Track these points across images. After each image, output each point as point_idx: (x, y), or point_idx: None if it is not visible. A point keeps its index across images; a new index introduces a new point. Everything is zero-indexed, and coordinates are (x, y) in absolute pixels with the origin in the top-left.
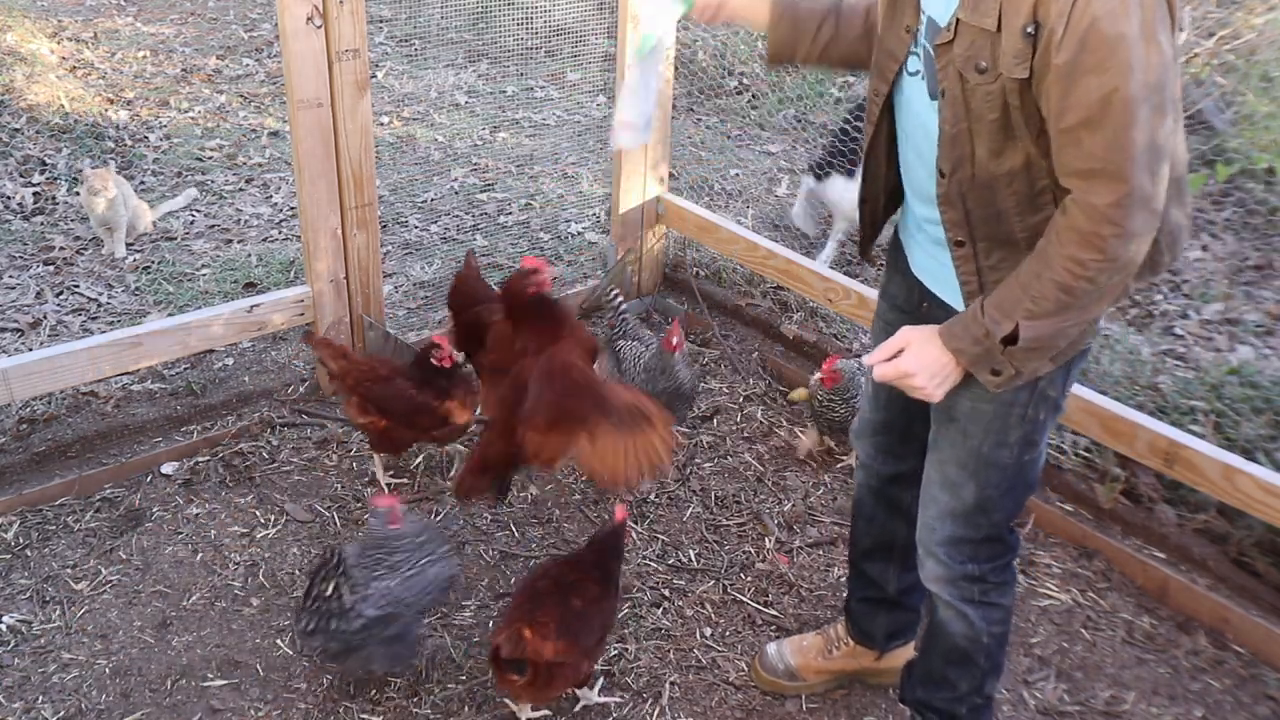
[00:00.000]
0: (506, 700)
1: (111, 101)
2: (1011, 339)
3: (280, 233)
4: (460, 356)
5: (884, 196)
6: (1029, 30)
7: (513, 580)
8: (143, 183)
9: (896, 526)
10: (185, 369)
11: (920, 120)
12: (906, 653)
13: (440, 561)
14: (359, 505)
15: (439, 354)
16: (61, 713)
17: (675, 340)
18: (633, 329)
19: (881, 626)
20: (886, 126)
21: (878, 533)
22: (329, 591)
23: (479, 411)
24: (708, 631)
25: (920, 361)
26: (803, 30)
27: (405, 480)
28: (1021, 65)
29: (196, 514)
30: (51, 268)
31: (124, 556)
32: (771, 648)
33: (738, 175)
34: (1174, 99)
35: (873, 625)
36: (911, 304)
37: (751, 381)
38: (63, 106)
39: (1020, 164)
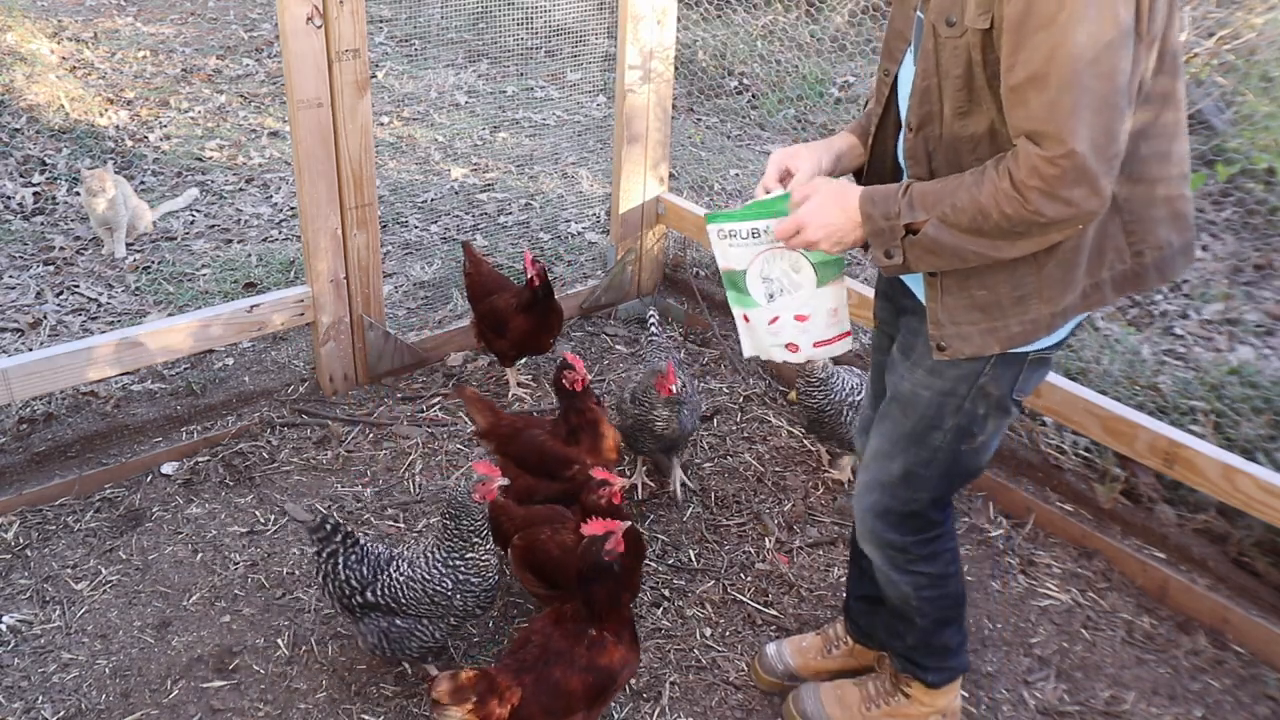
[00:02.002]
0: None
1: (111, 101)
2: (915, 231)
3: (280, 233)
4: (586, 377)
5: (889, 178)
6: None
7: (508, 574)
8: (143, 183)
9: None
10: (185, 369)
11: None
12: None
13: (455, 589)
14: (359, 504)
15: (571, 375)
16: (61, 713)
17: (662, 384)
18: (659, 350)
19: (880, 625)
20: (894, 108)
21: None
22: (325, 553)
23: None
24: (708, 631)
25: (817, 217)
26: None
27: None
28: (983, 16)
29: (196, 514)
30: (51, 268)
31: (124, 556)
32: (771, 648)
33: (738, 175)
34: (1124, 84)
35: (872, 623)
36: (893, 292)
37: (751, 381)
38: (63, 106)
39: (984, 129)
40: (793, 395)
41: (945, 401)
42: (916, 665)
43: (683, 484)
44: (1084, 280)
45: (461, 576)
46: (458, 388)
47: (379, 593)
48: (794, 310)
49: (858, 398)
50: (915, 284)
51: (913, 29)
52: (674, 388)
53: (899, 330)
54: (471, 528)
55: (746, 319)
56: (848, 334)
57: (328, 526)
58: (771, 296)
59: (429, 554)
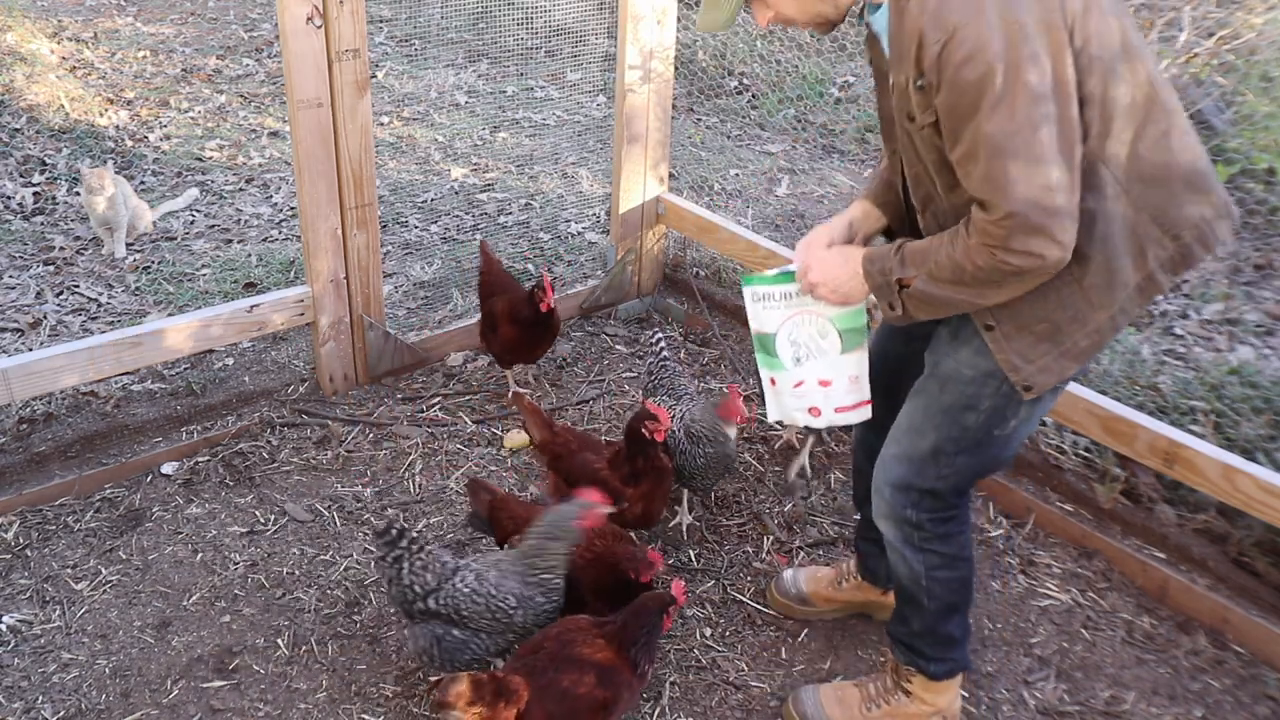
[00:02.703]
0: None
1: (111, 101)
2: (906, 286)
3: (280, 233)
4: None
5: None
6: (919, 84)
7: None
8: (143, 183)
9: None
10: (185, 369)
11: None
12: None
13: (525, 610)
14: (359, 504)
15: (654, 426)
16: (61, 713)
17: (737, 410)
18: (670, 377)
19: (884, 566)
20: (901, 172)
21: (867, 483)
22: (389, 558)
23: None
24: (708, 631)
25: (821, 272)
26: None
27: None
28: (927, 112)
29: (196, 514)
30: (51, 268)
31: (124, 556)
32: (788, 574)
33: (738, 175)
34: (1050, 141)
35: (877, 565)
36: None
37: (751, 381)
38: (63, 106)
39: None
40: None
41: (986, 382)
42: (920, 655)
43: (690, 524)
44: (1134, 278)
45: (528, 594)
46: (514, 396)
47: (441, 601)
48: (818, 375)
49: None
50: None
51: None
52: (743, 413)
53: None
54: (564, 551)
55: (774, 382)
56: (868, 403)
57: (394, 531)
58: (798, 360)
59: (499, 567)
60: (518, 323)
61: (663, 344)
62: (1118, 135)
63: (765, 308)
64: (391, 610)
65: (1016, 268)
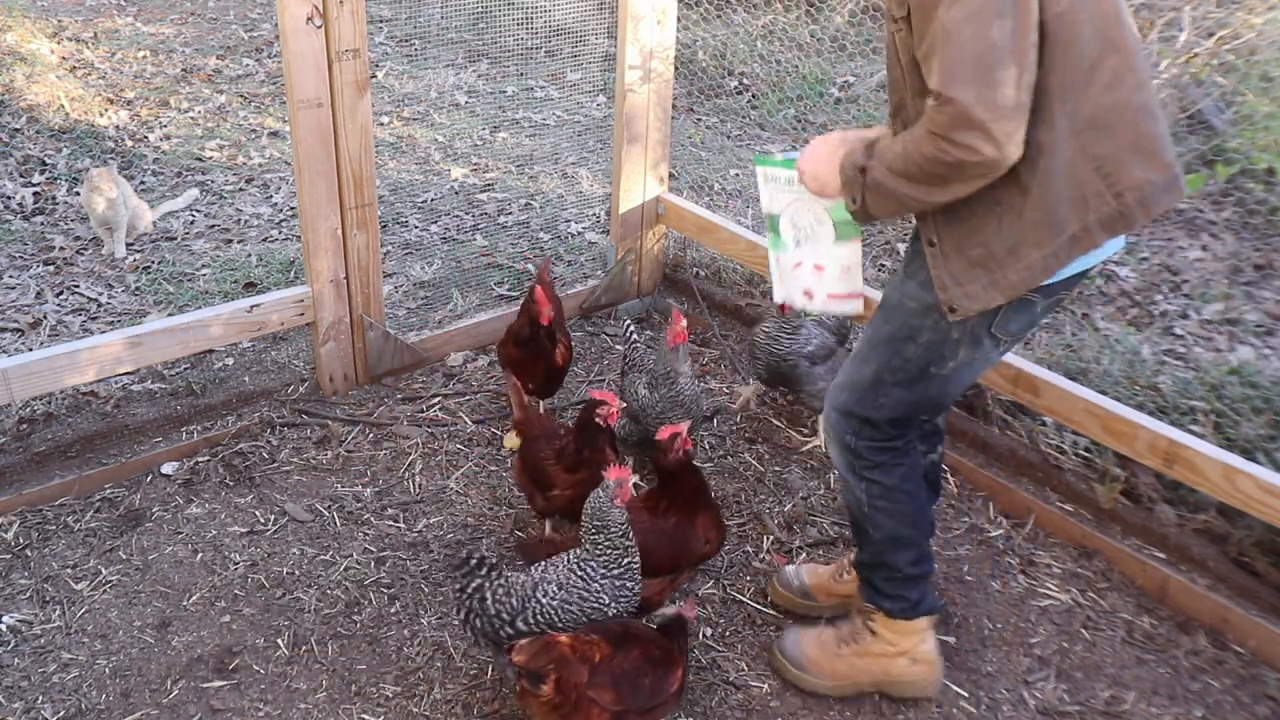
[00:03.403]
0: None
1: (111, 101)
2: (864, 170)
3: (280, 233)
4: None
5: None
6: None
7: None
8: (143, 183)
9: None
10: (185, 369)
11: None
12: None
13: (618, 602)
14: (359, 504)
15: (605, 410)
16: (61, 713)
17: (675, 335)
18: (640, 356)
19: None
20: None
21: None
22: (470, 589)
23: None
24: (708, 631)
25: (809, 161)
26: None
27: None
28: (900, 5)
29: (196, 514)
30: (51, 268)
31: (124, 556)
32: (790, 568)
33: (738, 175)
34: (1002, 42)
35: None
36: (910, 238)
37: (751, 381)
38: (63, 106)
39: None
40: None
41: (927, 314)
42: (876, 591)
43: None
44: (1072, 224)
45: (618, 584)
46: (506, 371)
47: (531, 620)
48: (814, 259)
49: (814, 347)
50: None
51: None
52: (682, 329)
53: (908, 255)
54: (621, 533)
55: (778, 261)
56: (859, 295)
57: (473, 560)
58: (798, 243)
59: (578, 570)
60: (520, 344)
61: (632, 329)
62: (1074, 72)
63: (773, 190)
64: (392, 610)
65: (956, 159)
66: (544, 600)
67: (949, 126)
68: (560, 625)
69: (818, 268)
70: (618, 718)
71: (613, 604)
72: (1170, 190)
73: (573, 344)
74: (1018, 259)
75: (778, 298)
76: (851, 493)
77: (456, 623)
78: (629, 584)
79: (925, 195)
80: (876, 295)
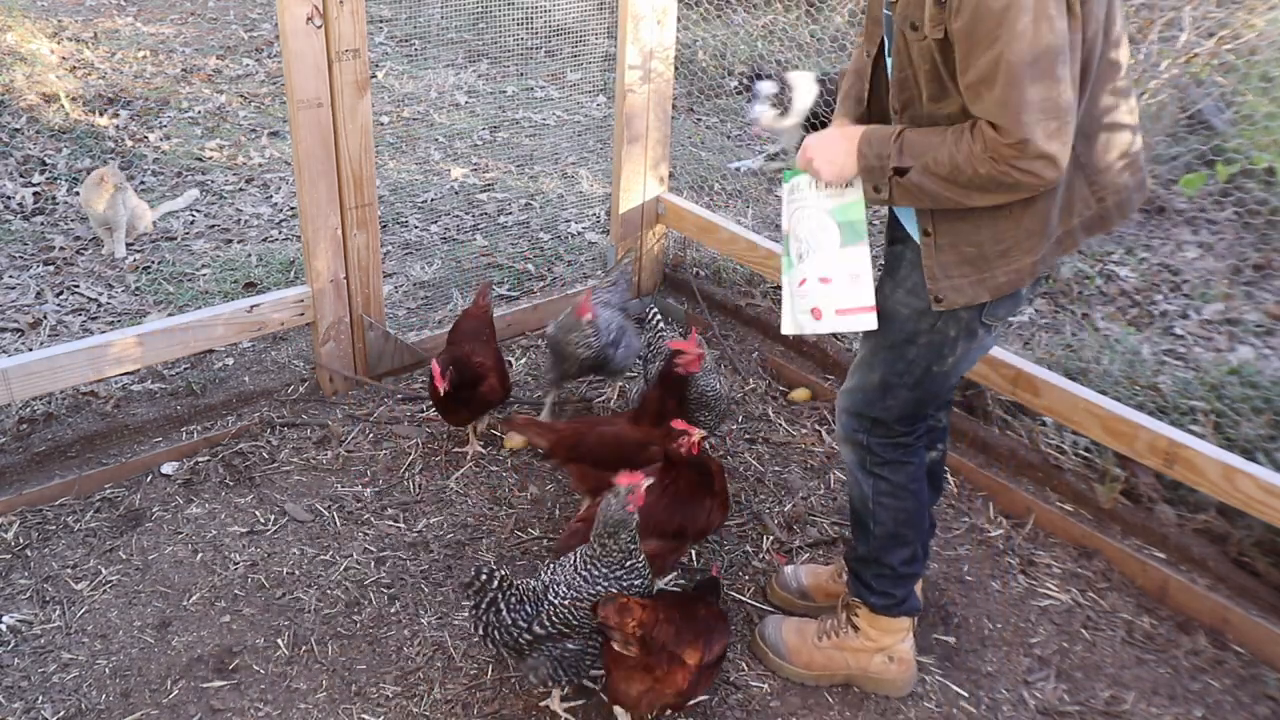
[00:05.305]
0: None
1: (111, 101)
2: (901, 173)
3: (280, 233)
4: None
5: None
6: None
7: None
8: (143, 183)
9: None
10: (185, 369)
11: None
12: None
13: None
14: (359, 504)
15: (684, 359)
16: (61, 713)
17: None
18: (665, 347)
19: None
20: (882, 77)
21: None
22: (484, 604)
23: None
24: None
25: (819, 146)
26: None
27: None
28: (937, 28)
29: (196, 514)
30: (51, 268)
31: (124, 556)
32: (789, 569)
33: (738, 175)
34: (1064, 76)
35: None
36: (890, 231)
37: (752, 381)
38: (63, 106)
39: (958, 110)
40: (793, 395)
41: (921, 318)
42: (864, 585)
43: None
44: (1058, 229)
45: (625, 582)
46: (506, 421)
47: (546, 623)
48: (819, 271)
49: (614, 334)
50: (909, 223)
51: (884, 24)
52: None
53: (889, 259)
54: (630, 538)
55: (788, 285)
56: (872, 308)
57: (483, 576)
58: (801, 256)
59: (584, 573)
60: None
61: (658, 316)
62: (1085, 91)
63: (791, 205)
64: (392, 610)
65: (1016, 181)
66: (556, 601)
67: (1017, 158)
68: (575, 624)
69: (823, 280)
70: (697, 671)
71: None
72: (1140, 191)
73: (508, 369)
74: (1009, 262)
75: (785, 329)
76: (859, 488)
77: (476, 636)
78: (637, 581)
79: (965, 199)
80: None
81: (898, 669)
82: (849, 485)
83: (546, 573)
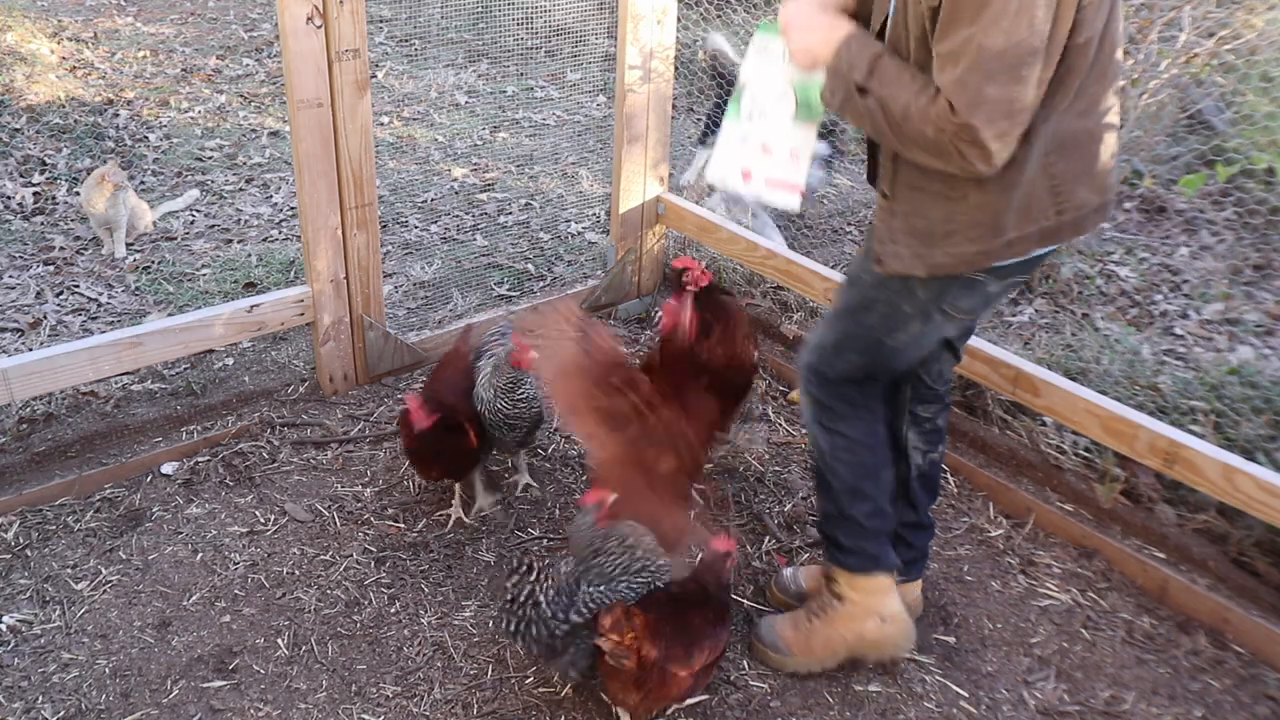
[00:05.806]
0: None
1: (111, 102)
2: (862, 91)
3: (280, 233)
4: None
5: None
6: None
7: None
8: (143, 183)
9: (895, 464)
10: (185, 369)
11: None
12: (911, 589)
13: (653, 569)
14: (359, 504)
15: (691, 275)
16: (61, 713)
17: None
18: None
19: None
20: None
21: None
22: (523, 596)
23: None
24: None
25: (802, 24)
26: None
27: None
28: None
29: (196, 514)
30: (51, 268)
31: (124, 556)
32: (787, 571)
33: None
34: (1027, 75)
35: None
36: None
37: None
38: (63, 106)
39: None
40: (793, 395)
41: (881, 288)
42: (836, 546)
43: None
44: (1011, 231)
45: (642, 579)
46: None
47: (581, 611)
48: (762, 138)
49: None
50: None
51: None
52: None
53: (869, 231)
54: (619, 541)
55: (726, 132)
56: (800, 188)
57: (524, 566)
58: (750, 116)
59: (603, 568)
60: (416, 438)
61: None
62: (1064, 98)
63: (758, 60)
64: (392, 610)
65: (951, 157)
66: (591, 591)
67: (957, 138)
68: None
69: (765, 149)
70: (691, 677)
71: (651, 585)
72: (1100, 213)
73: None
74: (951, 244)
75: (710, 175)
76: (817, 443)
77: (508, 641)
78: (651, 576)
79: (903, 148)
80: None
81: (893, 628)
82: (810, 440)
83: (559, 563)
